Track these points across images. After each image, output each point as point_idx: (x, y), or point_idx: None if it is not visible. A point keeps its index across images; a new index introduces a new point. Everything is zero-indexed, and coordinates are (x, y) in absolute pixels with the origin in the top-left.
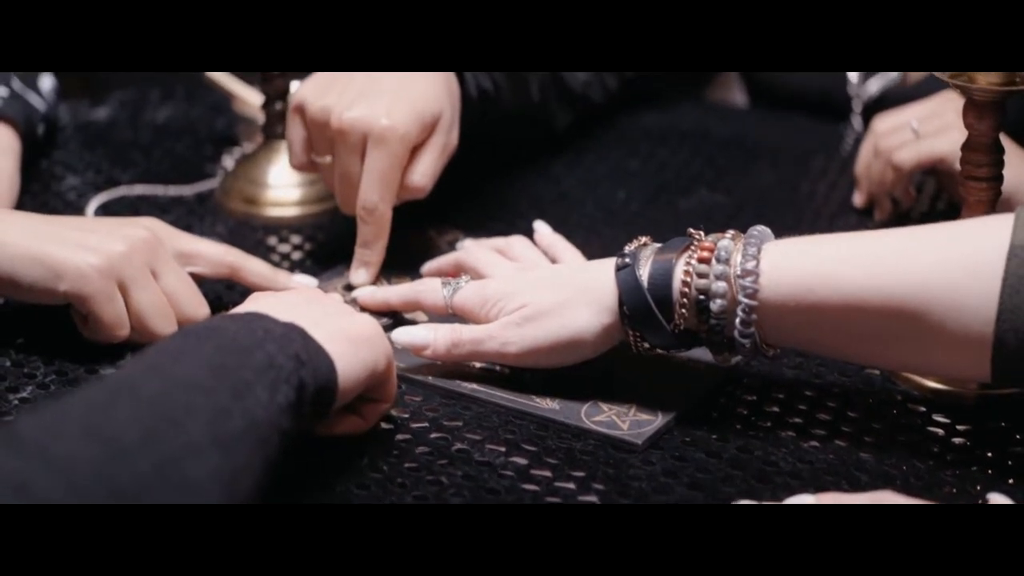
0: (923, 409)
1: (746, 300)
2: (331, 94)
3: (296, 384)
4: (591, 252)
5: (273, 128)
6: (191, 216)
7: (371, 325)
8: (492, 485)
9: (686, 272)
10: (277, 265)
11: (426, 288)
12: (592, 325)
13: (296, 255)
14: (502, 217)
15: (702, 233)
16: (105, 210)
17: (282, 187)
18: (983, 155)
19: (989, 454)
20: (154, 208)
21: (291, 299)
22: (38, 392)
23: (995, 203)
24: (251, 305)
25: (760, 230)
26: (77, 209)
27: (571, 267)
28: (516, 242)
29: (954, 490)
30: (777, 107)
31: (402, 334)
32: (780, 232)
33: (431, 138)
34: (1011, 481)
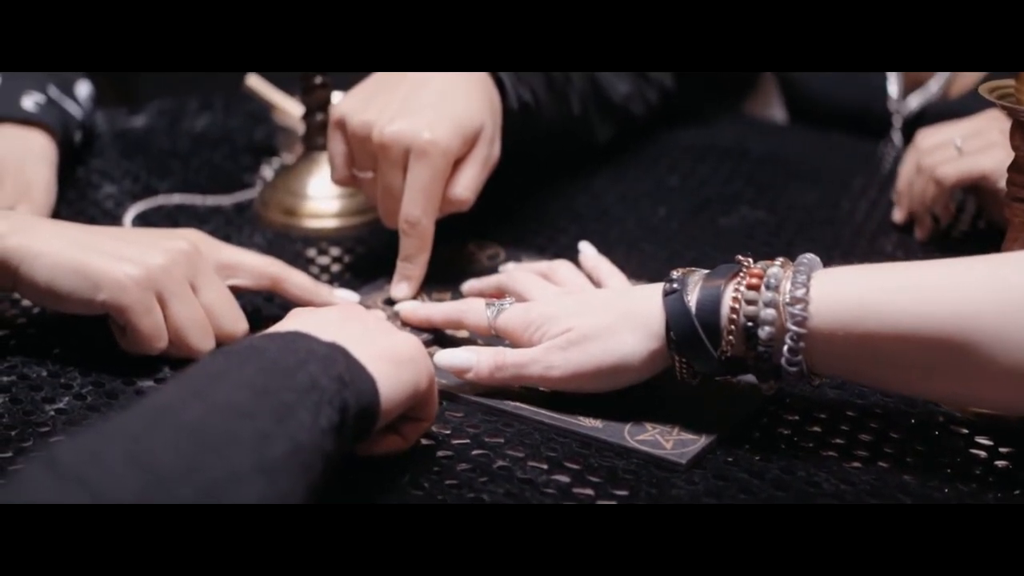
0: (965, 431)
1: (795, 328)
2: (372, 109)
3: (339, 406)
4: (631, 268)
5: (313, 139)
6: (229, 226)
7: (413, 344)
8: (534, 503)
9: (734, 299)
10: (316, 278)
11: (470, 308)
12: (638, 350)
13: (335, 267)
14: (542, 232)
15: (751, 260)
16: (143, 219)
17: (322, 199)
18: None
19: None
20: (192, 218)
21: (332, 316)
22: (75, 403)
23: None
24: (292, 323)
25: (809, 258)
26: (114, 218)
27: (616, 291)
28: (560, 266)
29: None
30: (816, 122)
31: (445, 357)
32: (821, 250)
33: (473, 151)
34: None
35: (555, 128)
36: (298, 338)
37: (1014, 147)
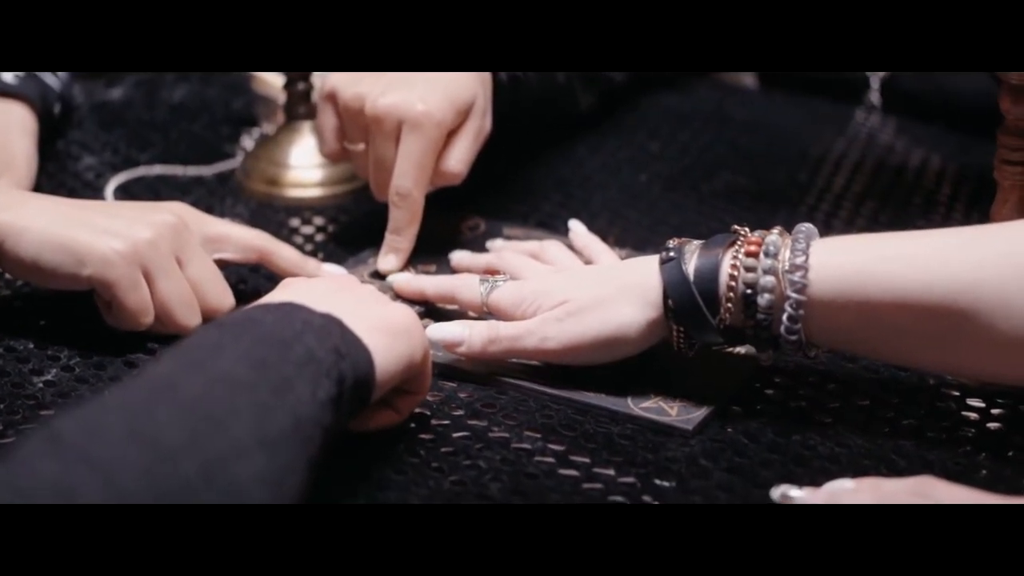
0: (957, 394)
1: (795, 295)
2: (364, 81)
3: (336, 378)
4: (616, 235)
5: (295, 108)
6: (212, 197)
7: (408, 315)
8: (531, 470)
9: (733, 266)
10: (300, 247)
11: (463, 284)
12: (636, 320)
13: (319, 237)
14: (526, 200)
15: (747, 229)
16: (124, 190)
17: (304, 168)
18: (1019, 139)
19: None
20: (174, 189)
21: (325, 287)
22: (63, 375)
23: None
24: (285, 293)
25: (807, 227)
26: (95, 189)
27: (609, 265)
28: (550, 246)
29: (990, 476)
30: (790, 85)
31: (436, 331)
32: (804, 215)
33: (465, 123)
34: None
35: (540, 98)
36: (293, 309)
37: (1004, 110)
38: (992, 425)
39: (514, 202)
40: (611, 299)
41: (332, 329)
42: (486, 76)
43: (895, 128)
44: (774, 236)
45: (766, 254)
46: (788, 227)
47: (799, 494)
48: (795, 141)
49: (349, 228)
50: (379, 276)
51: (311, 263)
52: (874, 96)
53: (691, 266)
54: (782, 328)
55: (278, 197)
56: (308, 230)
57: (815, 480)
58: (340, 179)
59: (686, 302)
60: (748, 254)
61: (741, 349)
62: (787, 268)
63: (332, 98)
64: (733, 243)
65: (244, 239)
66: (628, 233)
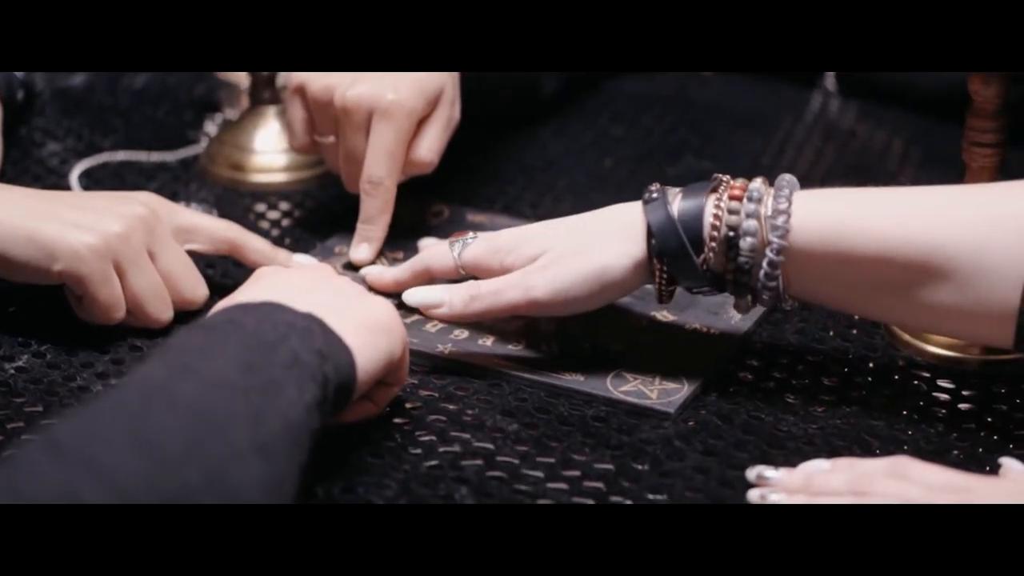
0: (927, 375)
1: (777, 240)
2: (333, 74)
3: (320, 381)
4: None
5: (260, 93)
6: (177, 183)
7: (388, 310)
8: (506, 453)
9: (716, 207)
10: (267, 233)
11: (434, 252)
12: (620, 259)
13: (286, 222)
14: (490, 185)
15: (728, 176)
16: (89, 176)
17: (269, 153)
18: (988, 121)
19: (994, 420)
20: (139, 174)
21: (302, 280)
22: (34, 361)
23: (998, 169)
24: (261, 288)
25: (789, 178)
26: (60, 175)
27: (582, 215)
28: None
29: (962, 456)
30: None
31: (414, 295)
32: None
33: (435, 112)
34: (1011, 446)
35: (503, 84)
36: (275, 310)
37: (973, 92)
38: (963, 406)
39: (479, 187)
40: (592, 243)
41: (314, 330)
42: None
43: (857, 111)
44: (758, 183)
45: (749, 199)
46: None
47: (775, 475)
48: (757, 124)
49: (315, 213)
50: (352, 267)
51: (281, 254)
52: (829, 82)
53: (675, 207)
54: (761, 273)
55: (243, 182)
56: (274, 215)
57: (790, 461)
58: (305, 164)
59: (671, 240)
60: (732, 198)
61: (716, 330)
62: (770, 213)
63: (301, 91)
64: (716, 188)
65: (215, 230)
66: None
